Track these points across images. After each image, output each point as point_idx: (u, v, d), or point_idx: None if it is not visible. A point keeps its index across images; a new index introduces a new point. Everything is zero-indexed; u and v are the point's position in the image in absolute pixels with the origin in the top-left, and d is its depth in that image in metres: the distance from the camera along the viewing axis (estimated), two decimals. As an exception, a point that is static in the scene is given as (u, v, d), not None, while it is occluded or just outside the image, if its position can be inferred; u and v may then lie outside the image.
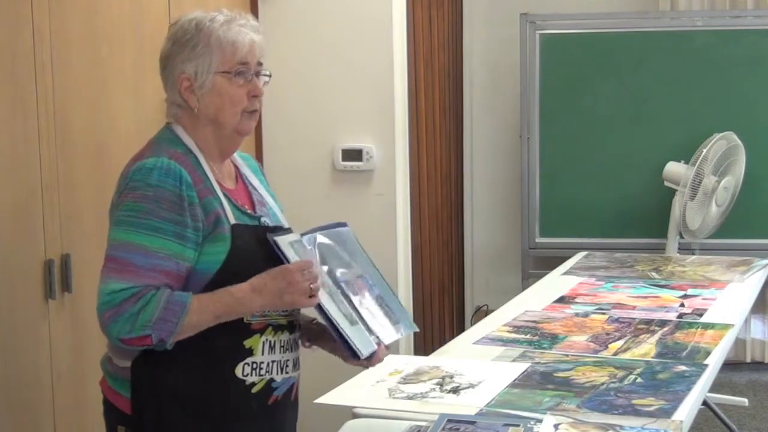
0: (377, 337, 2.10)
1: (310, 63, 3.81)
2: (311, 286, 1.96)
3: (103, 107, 2.82)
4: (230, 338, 1.97)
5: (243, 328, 1.98)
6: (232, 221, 1.98)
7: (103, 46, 2.82)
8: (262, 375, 2.01)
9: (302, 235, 2.10)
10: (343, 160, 3.81)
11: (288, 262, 1.97)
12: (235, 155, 2.16)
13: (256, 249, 1.98)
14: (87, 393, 2.65)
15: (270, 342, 2.02)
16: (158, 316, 1.87)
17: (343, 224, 2.24)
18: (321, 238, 2.12)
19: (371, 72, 3.77)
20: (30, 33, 2.52)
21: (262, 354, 2.01)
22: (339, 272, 2.11)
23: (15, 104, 2.48)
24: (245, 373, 1.99)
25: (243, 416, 2.01)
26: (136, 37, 2.94)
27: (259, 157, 3.81)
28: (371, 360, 2.10)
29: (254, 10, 3.77)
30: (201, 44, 1.98)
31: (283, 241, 2.00)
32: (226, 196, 2.01)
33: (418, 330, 2.29)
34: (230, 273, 1.94)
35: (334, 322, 2.00)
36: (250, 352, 1.99)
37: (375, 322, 2.11)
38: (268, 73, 2.08)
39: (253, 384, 2.00)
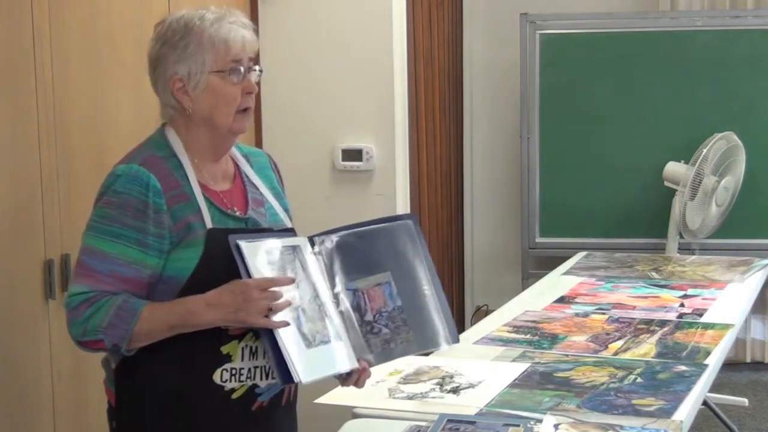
0: (366, 359, 2.01)
1: (309, 63, 3.81)
2: (270, 305, 1.87)
3: (103, 107, 2.82)
4: (205, 344, 1.93)
5: (219, 334, 1.93)
6: (209, 226, 1.94)
7: (103, 46, 2.82)
8: (242, 381, 1.96)
9: (314, 236, 2.04)
10: (343, 160, 3.81)
11: (247, 270, 1.89)
12: (238, 153, 2.13)
13: (231, 253, 1.91)
14: (87, 393, 2.65)
15: (251, 348, 1.96)
16: (109, 321, 1.86)
17: (406, 217, 2.17)
18: (339, 239, 2.05)
19: (371, 72, 3.77)
20: (30, 33, 2.52)
21: (242, 360, 1.96)
22: (351, 279, 2.03)
23: (15, 104, 2.48)
24: (224, 379, 1.95)
25: (223, 422, 1.97)
26: (136, 38, 2.93)
27: (259, 157, 3.80)
28: (347, 381, 2.01)
29: (254, 10, 3.76)
30: (192, 44, 1.96)
31: (252, 247, 1.91)
32: (208, 199, 1.98)
33: (446, 347, 2.13)
34: (204, 277, 1.91)
35: (279, 342, 1.87)
36: (228, 358, 1.95)
37: (370, 342, 2.02)
38: (259, 68, 2.05)
39: (233, 390, 1.96)
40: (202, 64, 1.96)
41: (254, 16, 3.73)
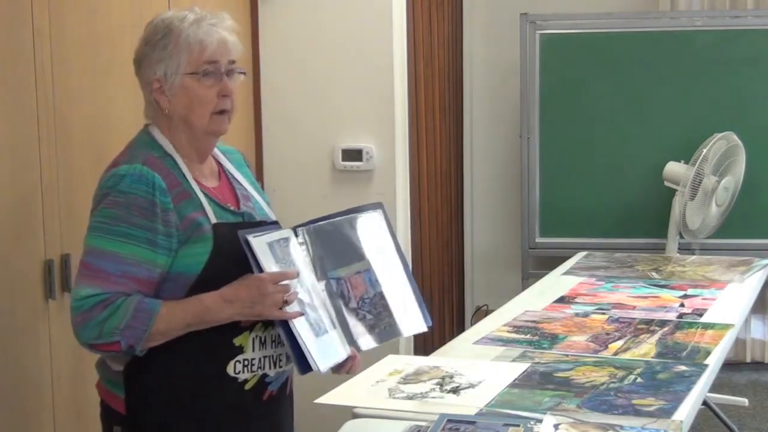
0: (355, 345, 2.07)
1: (310, 63, 3.81)
2: (284, 298, 1.93)
3: (103, 107, 2.82)
4: (219, 337, 1.96)
5: (231, 326, 1.96)
6: (214, 220, 1.96)
7: (103, 46, 2.82)
8: (254, 371, 2.01)
9: (297, 227, 2.08)
10: (343, 160, 3.81)
11: (259, 264, 1.93)
12: (217, 151, 2.14)
13: (239, 246, 1.96)
14: (87, 393, 2.64)
15: (261, 338, 2.00)
16: (126, 323, 1.87)
17: (376, 206, 2.21)
18: (319, 229, 2.09)
19: (371, 72, 3.77)
20: (30, 33, 2.52)
21: (253, 350, 2.00)
22: (333, 267, 2.08)
23: (15, 104, 2.48)
24: (237, 371, 1.98)
25: (237, 414, 2.00)
26: (136, 38, 2.91)
27: (259, 156, 3.80)
28: (340, 369, 2.08)
29: (254, 10, 3.76)
30: (170, 45, 1.98)
31: (259, 242, 1.95)
32: (206, 195, 2.00)
33: (425, 329, 2.22)
34: (215, 272, 1.94)
35: (296, 334, 1.94)
36: (240, 350, 1.98)
37: (356, 328, 2.08)
38: (242, 70, 2.06)
39: (246, 381, 2.00)
40: (177, 66, 1.98)
41: (254, 16, 3.73)
